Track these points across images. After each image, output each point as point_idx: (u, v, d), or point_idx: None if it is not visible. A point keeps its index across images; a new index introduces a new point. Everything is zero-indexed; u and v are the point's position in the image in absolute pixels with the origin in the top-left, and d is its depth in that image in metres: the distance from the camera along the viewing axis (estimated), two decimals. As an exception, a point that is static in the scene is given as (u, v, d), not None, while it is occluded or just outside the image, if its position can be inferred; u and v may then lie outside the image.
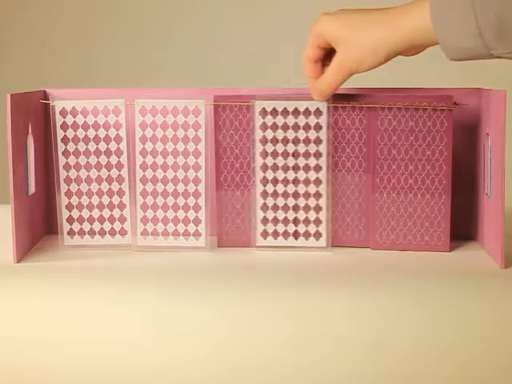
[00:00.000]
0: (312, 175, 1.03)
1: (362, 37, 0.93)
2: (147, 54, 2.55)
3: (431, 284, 0.90)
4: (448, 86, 1.06)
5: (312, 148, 1.02)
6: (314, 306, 0.84)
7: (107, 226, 1.05)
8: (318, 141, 1.02)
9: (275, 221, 1.04)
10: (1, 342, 0.76)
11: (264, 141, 1.03)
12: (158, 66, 2.54)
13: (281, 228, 1.04)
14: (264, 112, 1.03)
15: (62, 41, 2.55)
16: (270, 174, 1.03)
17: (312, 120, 1.02)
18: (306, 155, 1.02)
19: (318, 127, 1.02)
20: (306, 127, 1.02)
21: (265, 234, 1.04)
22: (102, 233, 1.05)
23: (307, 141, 1.02)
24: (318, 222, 1.03)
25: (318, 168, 1.03)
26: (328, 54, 0.98)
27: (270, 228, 1.04)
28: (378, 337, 0.76)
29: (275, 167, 1.03)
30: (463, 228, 1.07)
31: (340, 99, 1.03)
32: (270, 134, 1.03)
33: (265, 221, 1.04)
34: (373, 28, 0.93)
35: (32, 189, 1.06)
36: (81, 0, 2.55)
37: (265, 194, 1.03)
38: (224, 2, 2.52)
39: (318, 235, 1.03)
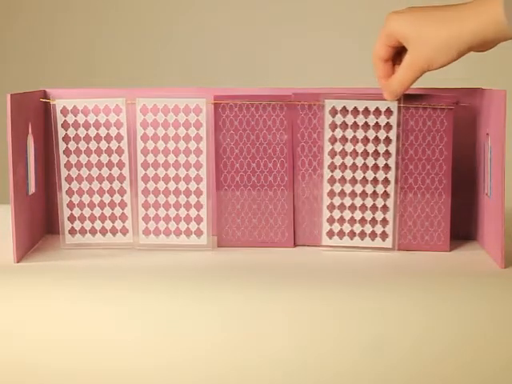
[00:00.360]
0: (381, 175, 1.02)
1: (432, 35, 0.93)
2: (147, 55, 2.54)
3: (431, 284, 0.90)
4: (448, 86, 1.06)
5: (382, 148, 1.02)
6: (314, 306, 0.84)
7: (108, 224, 1.05)
8: (387, 140, 1.02)
9: (341, 220, 1.03)
10: (1, 341, 0.76)
11: (333, 140, 1.02)
12: (158, 67, 2.53)
13: (347, 228, 1.03)
14: (334, 111, 1.02)
15: (62, 41, 2.55)
16: (337, 174, 1.03)
17: (382, 120, 1.01)
18: (375, 155, 1.02)
19: (388, 127, 1.01)
20: (376, 126, 1.02)
21: (331, 234, 1.04)
22: (104, 231, 1.05)
23: (377, 140, 1.02)
24: (384, 222, 1.03)
25: (386, 168, 1.02)
26: (398, 53, 0.98)
27: (336, 228, 1.03)
28: (378, 337, 0.76)
29: (343, 166, 1.03)
30: (463, 228, 1.07)
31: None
32: (339, 133, 1.02)
33: (331, 220, 1.03)
34: (443, 25, 0.92)
35: (32, 189, 1.06)
36: (81, 0, 2.55)
37: (332, 194, 1.03)
38: (224, 2, 2.51)
39: (384, 236, 1.03)
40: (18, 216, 0.99)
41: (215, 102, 1.04)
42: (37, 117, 1.07)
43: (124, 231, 1.05)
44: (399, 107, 1.01)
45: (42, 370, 0.69)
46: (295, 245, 1.06)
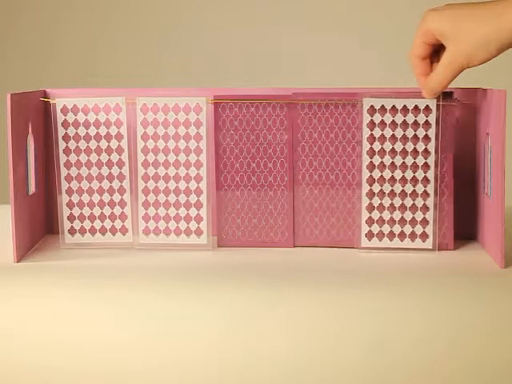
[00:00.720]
0: (420, 174, 1.01)
1: (471, 31, 0.92)
2: (147, 55, 2.54)
3: (431, 284, 0.90)
4: (448, 86, 1.06)
5: (420, 146, 1.01)
6: (313, 306, 0.84)
7: (108, 223, 1.05)
8: (426, 138, 1.01)
9: (381, 221, 1.02)
10: (0, 341, 0.76)
11: (371, 139, 1.01)
12: (158, 68, 2.53)
13: (386, 229, 1.02)
14: (372, 110, 1.01)
15: (62, 41, 2.55)
16: (376, 173, 1.02)
17: (421, 117, 1.01)
18: (414, 153, 1.01)
19: (427, 125, 1.01)
20: (415, 125, 1.01)
21: (370, 235, 1.02)
22: (103, 231, 1.05)
23: (416, 138, 1.01)
24: (424, 222, 1.02)
25: (426, 166, 1.01)
26: (435, 52, 0.97)
27: (375, 229, 1.02)
28: (378, 337, 0.76)
29: (382, 166, 1.01)
30: (463, 228, 1.07)
31: (341, 98, 1.03)
32: (377, 132, 1.01)
33: (370, 221, 1.02)
34: (482, 22, 0.92)
35: (32, 188, 1.06)
36: (81, 0, 2.55)
37: (371, 194, 1.02)
38: (224, 2, 2.51)
39: (424, 236, 1.02)
40: (17, 216, 0.99)
41: (215, 101, 1.04)
42: (37, 116, 1.07)
43: (124, 230, 1.05)
44: (438, 105, 1.00)
45: (41, 370, 0.69)
46: (294, 245, 1.06)
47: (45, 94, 1.08)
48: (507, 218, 0.97)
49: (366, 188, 1.02)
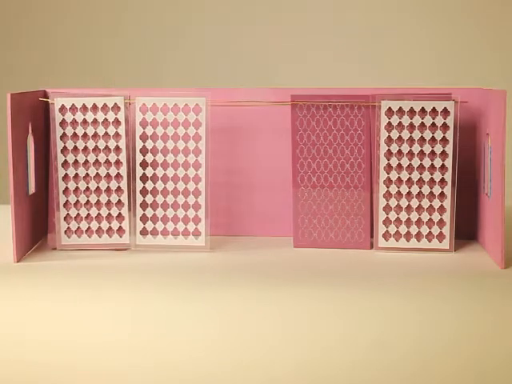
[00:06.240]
0: (437, 176, 1.01)
1: None
2: (147, 56, 2.54)
3: (431, 284, 0.90)
4: (448, 86, 1.06)
5: (438, 148, 1.01)
6: (313, 307, 0.84)
7: (105, 225, 1.05)
8: (444, 140, 1.01)
9: (398, 222, 1.02)
10: (0, 341, 0.76)
11: (389, 141, 1.01)
12: (157, 69, 2.53)
13: (403, 229, 1.02)
14: (390, 112, 1.01)
15: (61, 41, 2.55)
16: (394, 175, 1.02)
17: (439, 120, 1.00)
18: (432, 155, 1.01)
19: (445, 127, 1.00)
20: (433, 127, 1.01)
21: (387, 236, 1.02)
22: (100, 232, 1.05)
23: (433, 140, 1.01)
24: (441, 223, 1.02)
25: (443, 168, 1.01)
26: None
27: (392, 229, 1.02)
28: (378, 337, 0.76)
29: (400, 167, 1.01)
30: (464, 228, 1.07)
31: (338, 98, 1.03)
32: (395, 135, 1.01)
33: (387, 222, 1.02)
34: None
35: (32, 189, 1.06)
36: (81, 0, 2.55)
37: (388, 195, 1.02)
38: (224, 2, 2.51)
39: (441, 237, 1.02)
40: (18, 216, 0.99)
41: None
42: (37, 117, 1.07)
43: (121, 232, 1.05)
44: (456, 107, 1.00)
45: (41, 369, 0.70)
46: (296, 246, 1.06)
47: (45, 94, 1.08)
48: (507, 217, 0.96)
49: (383, 189, 1.02)
